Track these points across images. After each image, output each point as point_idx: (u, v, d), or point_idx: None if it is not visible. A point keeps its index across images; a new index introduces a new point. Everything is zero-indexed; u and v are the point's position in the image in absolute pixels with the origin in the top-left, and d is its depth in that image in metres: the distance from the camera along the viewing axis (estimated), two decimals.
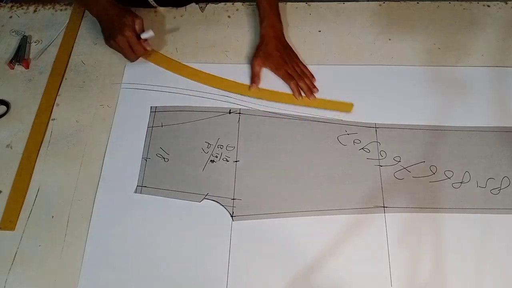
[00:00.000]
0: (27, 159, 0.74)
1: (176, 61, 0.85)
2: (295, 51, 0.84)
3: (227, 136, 0.76)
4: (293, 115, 0.78)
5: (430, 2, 0.92)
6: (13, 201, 0.70)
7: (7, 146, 0.76)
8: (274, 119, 0.77)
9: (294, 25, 0.90)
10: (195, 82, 0.82)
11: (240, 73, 0.83)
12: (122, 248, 0.66)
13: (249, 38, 0.88)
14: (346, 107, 0.78)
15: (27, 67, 0.84)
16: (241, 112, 0.78)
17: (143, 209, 0.69)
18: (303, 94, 0.80)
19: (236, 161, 0.73)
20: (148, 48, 0.80)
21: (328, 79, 0.82)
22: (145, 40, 0.80)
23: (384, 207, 0.69)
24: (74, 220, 0.69)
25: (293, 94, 0.80)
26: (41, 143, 0.76)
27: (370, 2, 0.93)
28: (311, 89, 0.80)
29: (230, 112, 0.78)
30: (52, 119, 0.79)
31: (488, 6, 0.92)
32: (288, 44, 0.85)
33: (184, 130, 0.76)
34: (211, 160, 0.73)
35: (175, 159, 0.74)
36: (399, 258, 0.65)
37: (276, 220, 0.68)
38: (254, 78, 0.81)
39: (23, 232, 0.68)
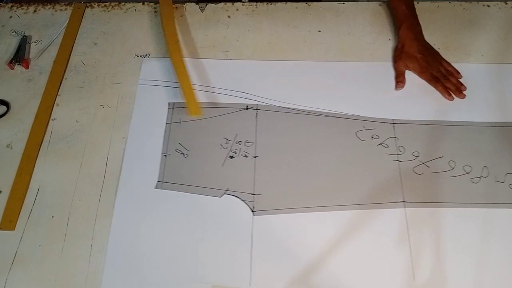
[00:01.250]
0: (27, 159, 0.74)
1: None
2: (435, 49, 0.84)
3: (245, 132, 0.76)
4: (311, 111, 0.78)
5: (430, 2, 0.92)
6: (13, 201, 0.70)
7: (7, 146, 0.76)
8: (291, 115, 0.78)
9: (294, 25, 0.90)
10: (212, 79, 0.82)
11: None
12: (144, 243, 0.66)
13: (249, 38, 0.88)
14: (195, 110, 0.77)
15: (27, 67, 0.84)
16: (258, 108, 0.78)
17: (164, 205, 0.70)
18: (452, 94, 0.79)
19: (255, 157, 0.73)
20: None
21: (340, 76, 0.82)
22: None
23: (404, 201, 0.69)
24: (74, 220, 0.69)
25: (443, 96, 0.79)
26: (41, 143, 0.76)
27: (370, 2, 0.93)
28: (459, 88, 0.79)
29: (247, 108, 0.78)
30: (52, 119, 0.79)
31: (488, 6, 0.92)
32: (428, 44, 0.84)
33: (202, 126, 0.77)
34: (230, 156, 0.74)
35: (195, 155, 0.74)
36: (421, 252, 0.65)
37: (297, 214, 0.68)
38: (400, 77, 0.81)
39: (23, 232, 0.68)
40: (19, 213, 0.69)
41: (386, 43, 0.87)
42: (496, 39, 0.87)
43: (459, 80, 0.81)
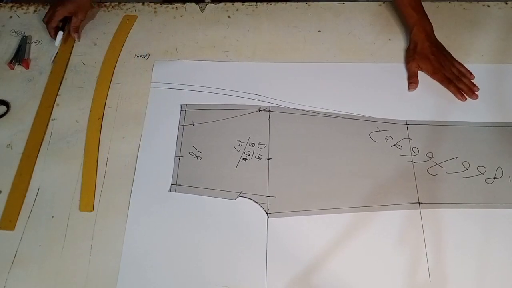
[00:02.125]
0: (27, 159, 0.74)
1: None
2: (447, 50, 0.84)
3: (258, 134, 0.76)
4: (324, 112, 0.78)
5: (430, 2, 0.92)
6: (13, 201, 0.70)
7: (7, 146, 0.76)
8: (304, 117, 0.78)
9: (294, 25, 0.90)
10: (223, 81, 0.82)
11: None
12: (158, 246, 0.66)
13: (249, 38, 0.88)
14: (87, 206, 0.70)
15: (27, 67, 0.84)
16: (271, 109, 0.78)
17: (178, 207, 0.69)
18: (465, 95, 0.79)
19: (269, 159, 0.73)
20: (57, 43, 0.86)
21: (351, 77, 0.82)
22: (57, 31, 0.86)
23: (419, 203, 0.69)
24: (74, 220, 0.69)
25: (456, 97, 0.79)
26: (41, 143, 0.76)
27: (370, 2, 0.93)
28: (471, 89, 0.79)
29: (260, 110, 0.78)
30: (52, 119, 0.79)
31: (488, 6, 0.92)
32: (440, 44, 0.84)
33: (215, 128, 0.77)
34: (243, 158, 0.74)
35: (208, 157, 0.74)
36: (437, 254, 0.65)
37: (312, 217, 0.68)
38: (413, 78, 0.81)
39: (23, 232, 0.68)
40: (19, 213, 0.69)
41: (386, 43, 0.87)
42: (496, 39, 0.87)
43: (472, 81, 0.81)
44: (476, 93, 0.79)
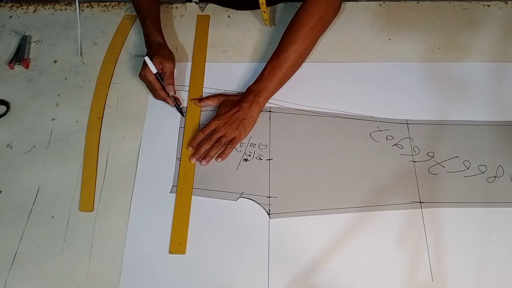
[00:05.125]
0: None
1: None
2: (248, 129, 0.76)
3: (259, 135, 0.76)
4: (324, 112, 0.78)
5: (430, 2, 0.92)
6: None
7: (7, 146, 0.76)
8: (305, 117, 0.78)
9: None
10: (224, 81, 0.82)
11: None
12: (160, 247, 0.66)
13: (249, 38, 0.88)
14: (87, 206, 0.70)
15: (27, 67, 0.84)
16: (271, 110, 0.78)
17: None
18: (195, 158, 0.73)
19: (269, 159, 0.73)
20: (171, 93, 0.77)
21: (351, 76, 0.82)
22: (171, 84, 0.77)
23: (420, 202, 0.69)
24: (74, 220, 0.69)
25: (191, 155, 0.73)
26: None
27: (370, 2, 0.93)
28: (208, 158, 0.72)
29: (260, 111, 0.78)
30: (52, 119, 0.79)
31: (488, 6, 0.92)
32: (251, 118, 0.75)
33: None
34: (244, 159, 0.74)
35: None
36: (439, 253, 0.65)
37: (314, 217, 0.68)
38: (204, 99, 0.79)
39: (23, 232, 0.68)
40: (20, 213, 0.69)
41: (386, 43, 0.87)
42: (496, 39, 0.87)
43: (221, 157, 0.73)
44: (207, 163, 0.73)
